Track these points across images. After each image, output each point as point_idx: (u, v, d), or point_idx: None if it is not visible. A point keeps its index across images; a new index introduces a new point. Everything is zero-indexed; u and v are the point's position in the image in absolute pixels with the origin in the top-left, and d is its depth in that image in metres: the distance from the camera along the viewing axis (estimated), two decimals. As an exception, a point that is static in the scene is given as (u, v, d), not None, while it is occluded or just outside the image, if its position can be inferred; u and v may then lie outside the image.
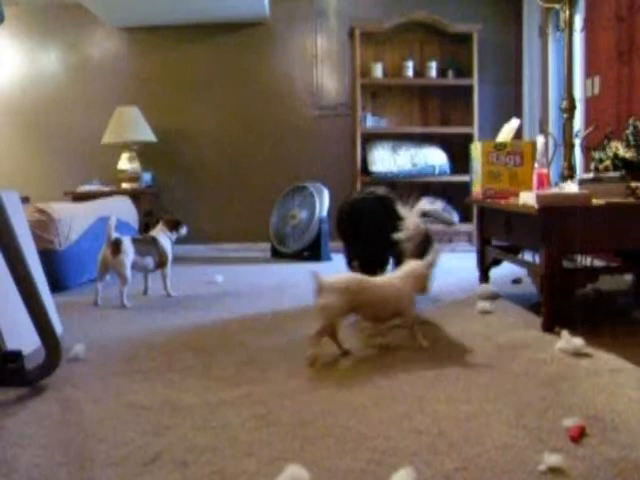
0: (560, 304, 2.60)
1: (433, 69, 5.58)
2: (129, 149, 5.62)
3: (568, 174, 3.46)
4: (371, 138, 5.63)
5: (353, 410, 1.76)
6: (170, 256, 3.55)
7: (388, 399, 1.85)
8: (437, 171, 5.51)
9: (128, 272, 3.29)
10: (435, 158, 5.53)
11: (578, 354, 2.21)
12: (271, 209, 5.40)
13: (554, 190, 3.00)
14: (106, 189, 5.48)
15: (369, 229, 3.10)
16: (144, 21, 5.71)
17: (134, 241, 3.40)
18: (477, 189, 3.49)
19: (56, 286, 3.37)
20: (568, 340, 2.27)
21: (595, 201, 2.58)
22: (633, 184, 2.70)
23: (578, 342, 2.25)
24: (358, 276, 2.33)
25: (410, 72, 5.59)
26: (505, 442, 1.51)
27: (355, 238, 3.18)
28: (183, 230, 3.67)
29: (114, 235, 3.29)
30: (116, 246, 3.27)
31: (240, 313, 3.09)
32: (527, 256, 3.20)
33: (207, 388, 1.98)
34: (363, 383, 1.99)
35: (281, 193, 5.43)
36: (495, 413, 1.71)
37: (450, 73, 5.60)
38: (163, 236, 3.55)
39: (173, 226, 3.61)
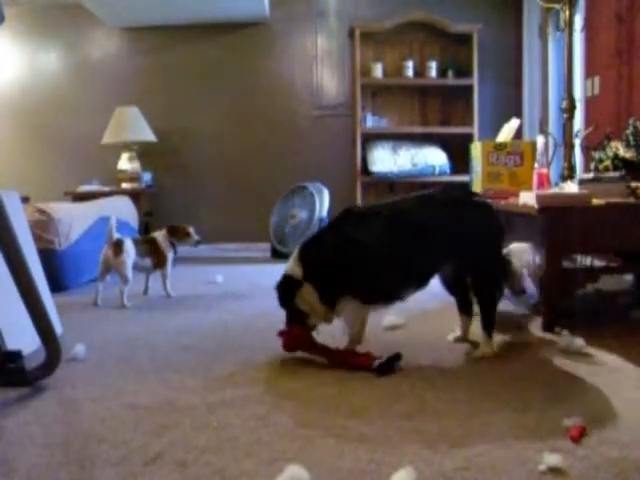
0: (560, 304, 2.60)
1: (433, 69, 5.58)
2: (129, 149, 5.62)
3: (568, 174, 3.46)
4: (371, 138, 5.63)
5: (353, 410, 1.76)
6: (170, 257, 3.55)
7: (388, 399, 1.84)
8: (437, 171, 5.51)
9: (129, 272, 3.30)
10: (435, 158, 5.53)
11: (578, 354, 2.21)
12: (271, 209, 5.40)
13: (554, 190, 3.00)
14: (106, 189, 5.48)
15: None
16: (144, 21, 5.71)
17: (134, 242, 3.41)
18: (477, 189, 3.49)
19: (56, 286, 3.37)
20: (569, 340, 2.27)
21: (595, 201, 2.58)
22: (633, 184, 2.70)
23: (579, 342, 2.25)
24: None
25: (410, 72, 5.59)
26: (505, 442, 1.51)
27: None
28: (188, 239, 3.59)
29: (116, 235, 3.30)
30: (118, 246, 3.28)
31: (240, 313, 3.09)
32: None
33: (207, 388, 1.98)
34: (363, 383, 1.99)
35: (281, 193, 5.43)
36: (495, 413, 1.70)
37: (450, 73, 5.60)
38: (163, 238, 3.55)
39: (170, 232, 3.59)
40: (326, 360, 2.17)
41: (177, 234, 3.57)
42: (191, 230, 3.61)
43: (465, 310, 2.43)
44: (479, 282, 2.29)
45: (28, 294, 1.98)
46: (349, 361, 2.14)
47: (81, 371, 2.19)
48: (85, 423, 1.74)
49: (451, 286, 2.44)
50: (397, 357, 2.11)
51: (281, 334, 2.27)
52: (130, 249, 3.33)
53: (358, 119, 5.55)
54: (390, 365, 2.08)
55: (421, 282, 2.27)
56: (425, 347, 2.40)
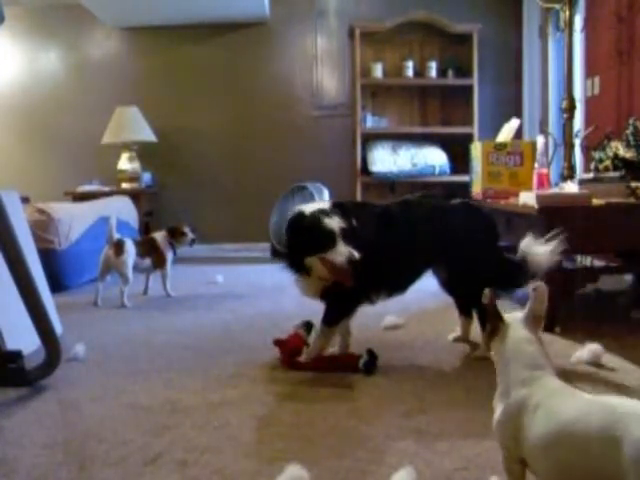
0: (560, 304, 2.60)
1: (433, 69, 5.58)
2: (129, 149, 5.62)
3: (568, 174, 3.46)
4: (371, 138, 5.63)
5: (353, 410, 1.76)
6: (169, 257, 3.55)
7: (388, 399, 1.84)
8: (437, 171, 5.51)
9: (130, 272, 3.31)
10: (435, 158, 5.53)
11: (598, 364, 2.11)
12: (271, 209, 5.40)
13: (554, 190, 3.00)
14: (106, 189, 5.48)
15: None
16: (144, 21, 5.71)
17: (135, 243, 3.42)
18: (477, 189, 3.49)
19: (56, 286, 3.37)
20: (589, 349, 2.16)
21: (595, 201, 2.58)
22: (633, 184, 2.70)
23: (597, 349, 2.15)
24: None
25: (410, 72, 5.59)
26: (505, 442, 1.51)
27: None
28: (184, 238, 3.60)
29: (116, 236, 3.30)
30: (119, 247, 3.29)
31: (240, 313, 3.09)
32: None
33: (207, 388, 1.98)
34: (363, 383, 1.99)
35: (281, 193, 5.43)
36: (495, 413, 1.70)
37: (450, 73, 5.59)
38: (162, 238, 3.56)
39: (169, 233, 3.59)
40: (313, 369, 2.13)
41: (175, 235, 3.58)
42: (186, 229, 3.61)
43: (465, 311, 2.43)
44: (468, 285, 2.27)
45: (28, 294, 1.98)
46: (335, 364, 2.14)
47: (81, 371, 2.19)
48: (85, 423, 1.74)
49: (449, 287, 2.43)
50: (373, 353, 2.11)
51: (279, 344, 2.21)
52: (131, 249, 3.34)
53: (358, 119, 5.55)
54: (374, 362, 2.09)
55: (394, 289, 2.24)
56: (425, 347, 2.40)
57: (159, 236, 3.58)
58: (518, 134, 4.21)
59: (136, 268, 3.40)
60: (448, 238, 2.21)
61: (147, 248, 3.49)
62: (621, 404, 1.00)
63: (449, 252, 2.22)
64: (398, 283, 2.26)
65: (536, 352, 1.17)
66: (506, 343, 1.18)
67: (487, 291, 1.18)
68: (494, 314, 1.19)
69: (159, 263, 3.51)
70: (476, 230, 2.26)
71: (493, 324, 1.20)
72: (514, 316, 1.21)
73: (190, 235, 3.61)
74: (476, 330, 2.36)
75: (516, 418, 1.11)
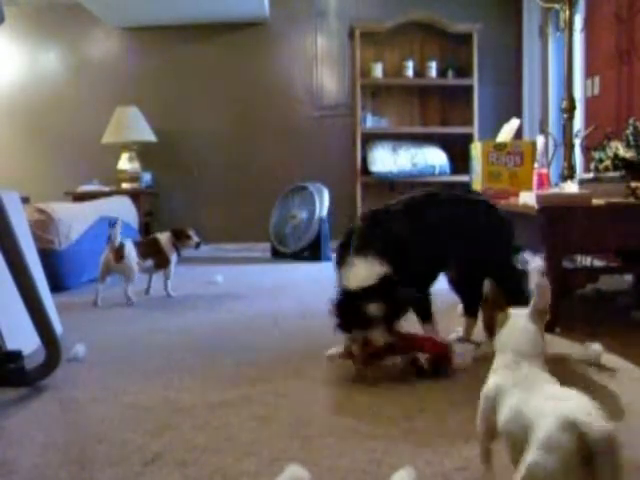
0: (560, 304, 2.60)
1: (433, 69, 5.58)
2: (129, 149, 5.62)
3: (568, 174, 3.46)
4: (371, 138, 5.63)
5: (353, 410, 1.76)
6: (173, 259, 3.54)
7: (388, 399, 1.84)
8: (437, 171, 5.51)
9: (133, 273, 3.31)
10: (435, 158, 5.53)
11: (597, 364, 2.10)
12: (271, 209, 5.40)
13: (554, 190, 3.00)
14: (106, 189, 5.49)
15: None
16: (144, 21, 5.71)
17: (136, 244, 3.41)
18: (477, 189, 3.49)
19: (56, 286, 3.36)
20: (587, 347, 2.16)
21: (595, 201, 2.58)
22: (633, 184, 2.70)
23: (597, 349, 2.14)
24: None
25: (410, 72, 5.59)
26: (505, 442, 1.51)
27: None
28: (189, 242, 3.58)
29: (119, 240, 3.29)
30: (118, 252, 3.27)
31: (240, 313, 3.09)
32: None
33: (207, 388, 1.98)
34: (363, 383, 1.99)
35: (281, 193, 5.44)
36: (495, 413, 1.70)
37: (450, 73, 5.60)
38: (166, 239, 3.55)
39: (174, 235, 3.59)
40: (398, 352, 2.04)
41: (180, 238, 3.57)
42: (191, 233, 3.60)
43: (470, 311, 2.41)
44: (478, 285, 2.26)
45: (28, 294, 1.98)
46: (424, 346, 2.06)
47: (81, 371, 2.19)
48: (85, 423, 1.74)
49: (458, 286, 2.42)
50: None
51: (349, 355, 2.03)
52: (131, 252, 3.32)
53: (358, 119, 5.55)
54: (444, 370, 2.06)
55: (421, 286, 2.22)
56: (425, 347, 2.40)
57: (163, 237, 3.56)
58: (518, 134, 4.21)
59: (137, 269, 3.39)
60: (463, 237, 2.21)
61: (149, 249, 3.48)
62: (568, 403, 1.10)
63: (462, 251, 2.22)
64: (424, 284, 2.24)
65: (527, 341, 1.24)
66: (503, 330, 1.26)
67: (487, 281, 1.25)
68: (496, 304, 1.25)
69: (161, 264, 3.50)
70: (492, 230, 2.27)
71: (496, 314, 1.26)
72: (521, 310, 1.28)
73: (195, 239, 3.60)
74: (477, 330, 2.36)
75: (492, 400, 1.22)
